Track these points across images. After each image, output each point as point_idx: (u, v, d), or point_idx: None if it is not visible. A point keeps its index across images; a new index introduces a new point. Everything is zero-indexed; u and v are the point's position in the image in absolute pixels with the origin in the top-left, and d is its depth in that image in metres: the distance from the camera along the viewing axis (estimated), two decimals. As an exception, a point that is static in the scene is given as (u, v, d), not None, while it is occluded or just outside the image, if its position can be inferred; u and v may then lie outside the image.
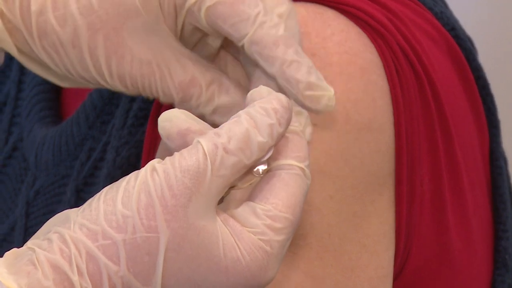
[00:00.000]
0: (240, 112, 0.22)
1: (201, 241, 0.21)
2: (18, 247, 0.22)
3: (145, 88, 0.26)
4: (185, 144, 0.22)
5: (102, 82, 0.26)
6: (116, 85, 0.26)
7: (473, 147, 0.34)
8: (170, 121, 0.23)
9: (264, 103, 0.22)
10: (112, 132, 0.35)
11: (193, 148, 0.21)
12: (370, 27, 0.30)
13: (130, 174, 0.22)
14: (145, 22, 0.25)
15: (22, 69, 0.42)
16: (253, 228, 0.22)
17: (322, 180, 0.28)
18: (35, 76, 0.39)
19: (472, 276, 0.36)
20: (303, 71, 0.25)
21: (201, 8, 0.25)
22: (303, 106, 0.25)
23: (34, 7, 0.25)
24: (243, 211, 0.23)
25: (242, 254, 0.22)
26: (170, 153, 0.23)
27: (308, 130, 0.27)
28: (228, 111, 0.27)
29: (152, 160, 0.22)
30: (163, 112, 0.24)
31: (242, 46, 0.26)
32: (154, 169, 0.21)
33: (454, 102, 0.32)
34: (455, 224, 0.33)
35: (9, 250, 0.22)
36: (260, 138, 0.22)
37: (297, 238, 0.30)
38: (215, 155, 0.21)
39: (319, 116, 0.28)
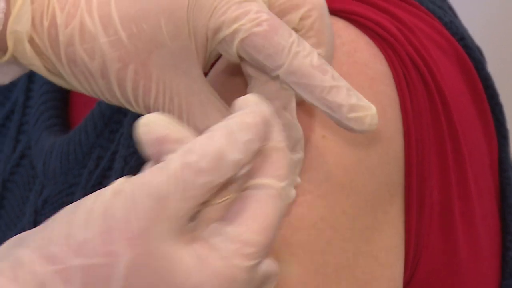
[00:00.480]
0: (217, 125, 0.22)
1: (162, 266, 0.20)
2: None
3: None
4: (159, 153, 0.21)
5: (129, 107, 0.27)
6: (142, 112, 0.26)
7: (482, 157, 0.34)
8: (148, 126, 0.22)
9: (245, 115, 0.21)
10: (121, 141, 0.35)
11: (162, 167, 0.20)
12: (380, 37, 0.30)
13: (95, 193, 0.21)
14: (173, 53, 0.25)
15: (30, 77, 0.42)
16: (221, 253, 0.21)
17: (336, 195, 0.28)
18: (43, 84, 0.40)
19: (479, 286, 0.36)
20: (343, 95, 0.25)
21: (234, 39, 0.25)
22: (348, 129, 0.25)
23: (62, 37, 0.26)
24: (213, 233, 0.21)
25: (206, 282, 0.21)
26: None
27: (300, 145, 0.27)
28: None
29: (121, 178, 0.21)
30: (143, 116, 0.23)
31: (277, 76, 0.26)
32: (120, 189, 0.20)
33: (463, 112, 0.32)
34: (463, 234, 0.33)
35: None
36: (235, 155, 0.21)
37: (316, 254, 0.30)
38: (184, 175, 0.20)
39: (328, 127, 0.28)
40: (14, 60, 0.28)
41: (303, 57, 0.25)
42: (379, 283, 0.31)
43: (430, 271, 0.33)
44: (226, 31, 0.25)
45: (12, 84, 0.44)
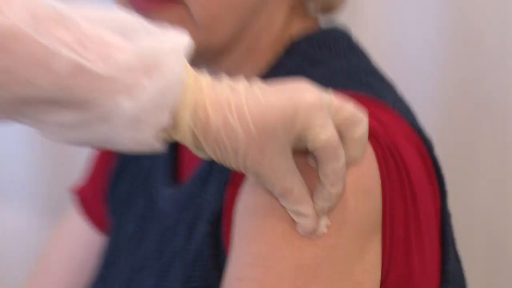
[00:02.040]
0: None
1: None
2: None
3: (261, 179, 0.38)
4: None
5: (236, 169, 0.37)
6: (241, 171, 0.38)
7: (430, 207, 0.47)
8: None
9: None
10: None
11: None
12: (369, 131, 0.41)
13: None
14: (282, 142, 0.36)
15: None
16: None
17: (345, 227, 0.40)
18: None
19: (425, 286, 0.47)
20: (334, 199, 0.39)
21: (312, 148, 0.37)
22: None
23: (213, 127, 0.35)
24: None
25: None
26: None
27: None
28: None
29: None
30: None
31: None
32: None
33: (419, 180, 0.45)
34: (417, 256, 0.45)
35: None
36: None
37: (329, 269, 0.39)
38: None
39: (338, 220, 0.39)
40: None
41: (336, 186, 0.37)
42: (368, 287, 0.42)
43: (397, 277, 0.44)
44: (310, 142, 0.36)
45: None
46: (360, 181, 0.40)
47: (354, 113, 0.38)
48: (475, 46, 0.88)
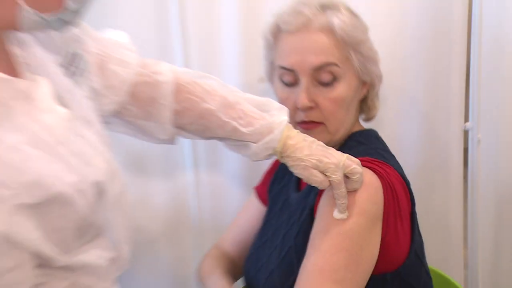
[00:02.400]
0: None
1: None
2: None
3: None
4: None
5: None
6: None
7: (406, 209, 0.80)
8: None
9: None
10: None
11: None
12: (376, 173, 0.78)
13: None
14: None
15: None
16: None
17: (361, 216, 0.75)
18: None
19: (398, 254, 0.82)
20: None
21: (332, 180, 0.73)
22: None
23: (293, 149, 0.75)
24: None
25: None
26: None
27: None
28: None
29: None
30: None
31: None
32: None
33: (401, 197, 0.80)
34: (400, 232, 0.80)
35: None
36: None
37: (344, 252, 0.73)
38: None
39: (355, 206, 0.74)
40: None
41: (340, 199, 0.72)
42: (371, 260, 0.77)
43: (385, 246, 0.77)
44: (330, 174, 0.72)
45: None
46: (371, 196, 0.77)
47: (355, 168, 0.74)
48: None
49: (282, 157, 0.82)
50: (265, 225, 1.05)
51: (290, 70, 0.92)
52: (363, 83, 0.95)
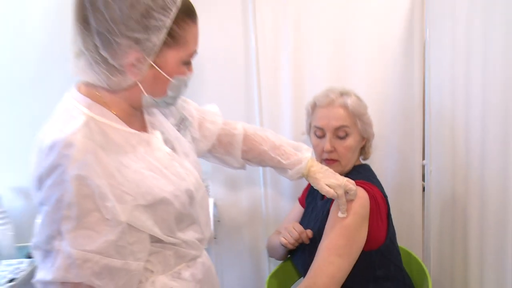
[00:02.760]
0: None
1: None
2: None
3: None
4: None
5: None
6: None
7: (384, 211, 1.24)
8: None
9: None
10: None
11: None
12: (365, 190, 1.22)
13: None
14: None
15: None
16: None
17: (355, 215, 1.18)
18: None
19: (379, 239, 1.23)
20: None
21: (337, 194, 1.17)
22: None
23: (315, 169, 1.22)
24: None
25: None
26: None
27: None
28: None
29: None
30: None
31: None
32: None
33: (381, 203, 1.24)
34: (381, 226, 1.24)
35: None
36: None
37: (344, 236, 1.17)
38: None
39: (352, 210, 1.17)
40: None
41: (342, 205, 1.17)
42: (361, 241, 1.20)
43: (369, 235, 1.21)
44: (336, 190, 1.16)
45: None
46: (361, 204, 1.19)
47: (351, 188, 1.15)
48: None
49: (307, 178, 1.21)
50: (302, 220, 1.50)
51: (320, 128, 1.36)
52: (363, 138, 1.40)
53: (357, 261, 1.19)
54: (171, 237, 0.96)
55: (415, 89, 1.74)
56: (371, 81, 1.75)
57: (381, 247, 1.24)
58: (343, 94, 1.38)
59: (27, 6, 1.61)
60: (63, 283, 0.81)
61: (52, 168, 0.80)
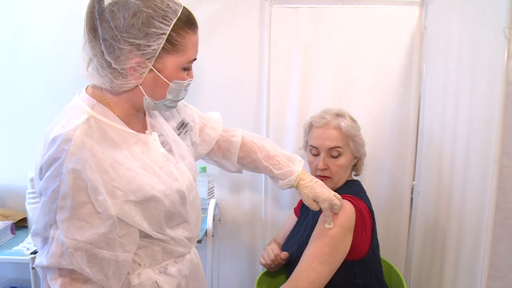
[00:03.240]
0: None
1: None
2: None
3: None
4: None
5: None
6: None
7: (368, 223, 1.33)
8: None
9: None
10: None
11: None
12: (352, 203, 1.31)
13: None
14: None
15: None
16: None
17: (340, 227, 1.26)
18: None
19: (362, 250, 1.31)
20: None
21: (323, 207, 1.25)
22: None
23: (303, 182, 1.28)
24: None
25: None
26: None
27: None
28: None
29: None
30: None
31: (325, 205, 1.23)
32: None
33: (367, 216, 1.33)
34: (364, 237, 1.32)
35: None
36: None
37: (334, 240, 1.24)
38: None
39: (337, 221, 1.24)
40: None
41: (328, 217, 1.24)
42: (343, 252, 1.28)
43: (353, 247, 1.29)
44: (322, 203, 1.24)
45: None
46: (347, 216, 1.28)
47: (336, 202, 1.22)
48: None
49: (297, 188, 1.26)
50: (295, 227, 1.59)
51: (315, 148, 1.44)
52: (355, 157, 1.48)
53: (338, 269, 1.26)
54: (159, 233, 0.99)
55: (410, 115, 1.89)
56: (370, 106, 1.90)
57: (363, 258, 1.31)
58: (338, 115, 1.46)
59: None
60: (59, 268, 0.87)
61: (52, 161, 0.86)
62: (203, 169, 1.98)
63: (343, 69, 1.90)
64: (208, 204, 1.87)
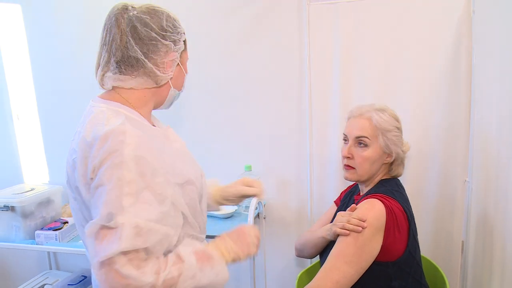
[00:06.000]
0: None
1: None
2: None
3: None
4: None
5: None
6: None
7: (403, 225, 1.26)
8: None
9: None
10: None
11: None
12: (383, 203, 1.24)
13: None
14: None
15: None
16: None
17: (368, 229, 1.20)
18: None
19: (396, 251, 1.24)
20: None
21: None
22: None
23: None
24: None
25: None
26: None
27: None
28: None
29: None
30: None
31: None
32: None
33: (400, 217, 1.25)
34: (397, 238, 1.24)
35: None
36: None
37: (354, 245, 1.19)
38: None
39: (366, 221, 1.19)
40: None
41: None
42: (372, 253, 1.22)
43: (386, 247, 1.22)
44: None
45: None
46: (376, 215, 1.22)
47: (251, 189, 1.28)
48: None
49: (224, 197, 1.31)
50: (334, 218, 1.46)
51: (345, 135, 1.44)
52: (386, 154, 1.40)
53: (372, 271, 1.22)
54: (194, 219, 1.07)
55: (461, 108, 1.76)
56: (416, 100, 1.80)
57: (398, 260, 1.26)
58: (377, 110, 1.43)
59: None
60: (125, 253, 0.86)
61: (111, 152, 0.89)
62: (248, 168, 2.00)
63: (385, 63, 1.81)
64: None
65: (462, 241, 1.83)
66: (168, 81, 1.06)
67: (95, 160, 0.90)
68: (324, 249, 1.46)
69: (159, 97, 1.09)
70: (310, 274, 1.69)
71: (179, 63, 1.07)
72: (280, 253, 2.14)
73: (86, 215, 0.97)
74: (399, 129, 1.42)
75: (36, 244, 1.97)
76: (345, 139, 1.46)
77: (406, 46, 1.78)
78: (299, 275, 1.65)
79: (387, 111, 1.42)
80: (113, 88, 1.05)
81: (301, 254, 1.61)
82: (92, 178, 0.91)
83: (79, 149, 0.95)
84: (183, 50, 1.08)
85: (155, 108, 1.12)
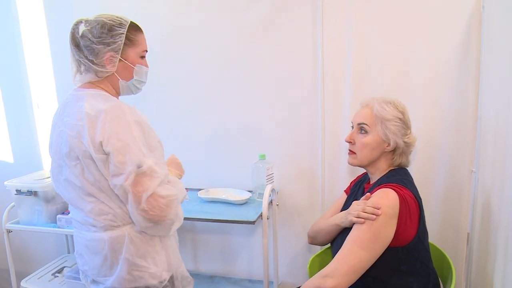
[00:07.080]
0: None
1: None
2: None
3: None
4: None
5: None
6: None
7: (415, 211, 1.31)
8: None
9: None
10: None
11: None
12: (396, 192, 1.29)
13: None
14: None
15: None
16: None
17: (382, 216, 1.26)
18: None
19: (407, 237, 1.29)
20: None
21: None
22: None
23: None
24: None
25: None
26: None
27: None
28: None
29: None
30: None
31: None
32: None
33: (412, 204, 1.31)
34: (408, 224, 1.29)
35: None
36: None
37: (369, 232, 1.25)
38: None
39: (381, 209, 1.23)
40: None
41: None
42: (386, 239, 1.27)
43: (399, 233, 1.28)
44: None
45: None
46: (390, 203, 1.27)
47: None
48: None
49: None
50: (345, 203, 1.64)
51: (352, 123, 1.50)
52: (386, 143, 1.45)
53: (383, 255, 1.27)
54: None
55: (469, 101, 1.78)
56: (426, 93, 1.83)
57: (408, 245, 1.31)
58: (382, 101, 1.48)
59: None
60: (160, 183, 1.21)
61: (118, 121, 1.18)
62: (263, 157, 2.05)
63: (397, 58, 1.85)
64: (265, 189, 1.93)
65: (468, 233, 1.87)
66: (114, 73, 1.31)
67: (104, 128, 1.17)
68: (336, 237, 1.52)
69: (114, 86, 1.35)
70: (321, 258, 1.75)
71: (122, 59, 1.30)
72: (292, 238, 2.19)
73: (95, 171, 1.22)
74: (401, 120, 1.46)
75: (58, 228, 2.05)
76: (352, 127, 1.53)
77: (416, 40, 1.81)
78: (311, 259, 1.71)
79: (392, 103, 1.47)
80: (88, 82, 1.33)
81: (314, 241, 1.66)
82: (101, 141, 1.16)
83: (84, 122, 1.20)
84: (129, 47, 1.31)
85: (121, 94, 1.38)
